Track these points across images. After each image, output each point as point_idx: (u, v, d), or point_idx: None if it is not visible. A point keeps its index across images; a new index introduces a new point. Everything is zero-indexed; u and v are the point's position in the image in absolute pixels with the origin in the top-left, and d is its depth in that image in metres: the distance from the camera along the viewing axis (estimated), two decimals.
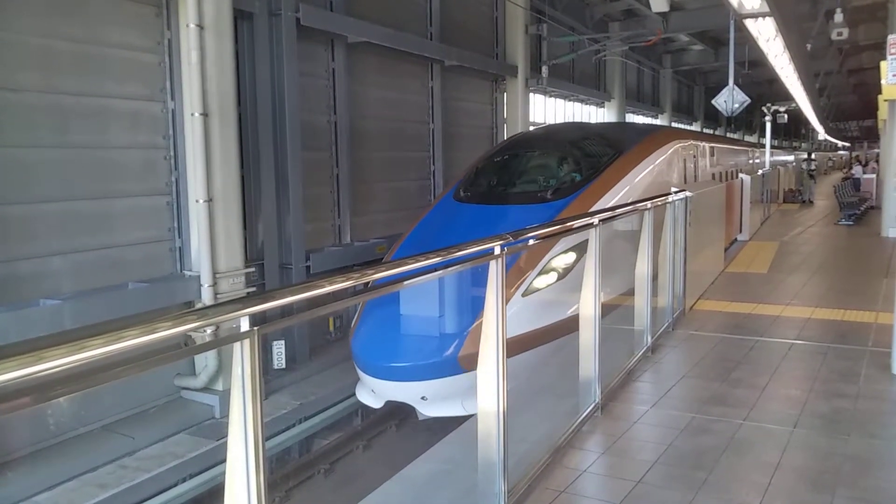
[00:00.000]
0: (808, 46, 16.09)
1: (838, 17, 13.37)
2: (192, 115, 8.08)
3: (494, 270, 3.26)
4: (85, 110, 7.48)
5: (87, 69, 7.50)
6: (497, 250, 3.26)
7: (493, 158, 9.88)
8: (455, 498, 3.73)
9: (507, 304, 6.11)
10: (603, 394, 4.80)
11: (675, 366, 5.94)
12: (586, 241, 6.99)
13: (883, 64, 12.15)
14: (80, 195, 7.46)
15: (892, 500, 3.58)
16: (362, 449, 8.21)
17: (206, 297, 8.22)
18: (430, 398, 6.53)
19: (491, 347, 3.27)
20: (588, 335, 4.57)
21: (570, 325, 6.81)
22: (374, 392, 6.84)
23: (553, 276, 7.37)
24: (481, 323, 6.10)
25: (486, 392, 3.30)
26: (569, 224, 4.56)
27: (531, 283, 7.24)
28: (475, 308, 6.47)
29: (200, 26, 8.04)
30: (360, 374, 6.84)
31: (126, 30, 7.86)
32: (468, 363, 6.24)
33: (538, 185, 8.90)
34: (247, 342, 1.91)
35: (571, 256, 7.36)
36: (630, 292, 6.08)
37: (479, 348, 6.01)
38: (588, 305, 4.53)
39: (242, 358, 1.91)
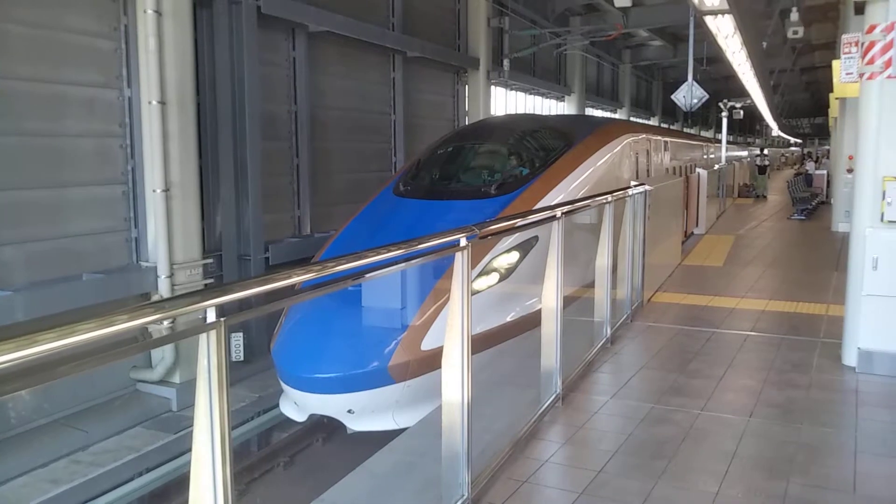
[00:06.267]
0: (764, 44, 16.40)
1: (794, 15, 13.65)
2: (150, 103, 7.92)
3: (460, 263, 3.26)
4: (38, 96, 7.28)
5: (41, 54, 7.29)
6: (463, 242, 3.25)
7: (437, 150, 9.39)
8: (418, 489, 3.73)
9: (441, 310, 6.02)
10: (564, 385, 4.85)
11: (633, 357, 6.03)
12: (530, 239, 7.01)
13: (835, 63, 12.44)
14: (33, 184, 7.27)
15: (843, 485, 3.69)
16: (322, 441, 8.15)
17: (163, 289, 8.09)
18: (357, 411, 6.06)
19: (456, 339, 3.27)
20: (550, 327, 4.61)
21: (511, 331, 6.76)
22: (296, 404, 6.42)
23: (494, 278, 6.97)
24: (414, 330, 6.10)
25: (450, 383, 3.30)
26: (532, 217, 4.58)
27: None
28: (407, 314, 6.26)
29: (158, 12, 7.88)
30: (282, 385, 6.39)
31: (81, 14, 7.65)
32: (399, 373, 5.99)
33: (482, 180, 8.48)
34: (213, 333, 1.88)
35: (514, 256, 7.02)
36: (588, 285, 6.13)
37: (411, 357, 5.97)
38: (550, 297, 4.57)
39: (209, 349, 1.88)
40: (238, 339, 9.19)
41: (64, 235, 7.57)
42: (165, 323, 1.87)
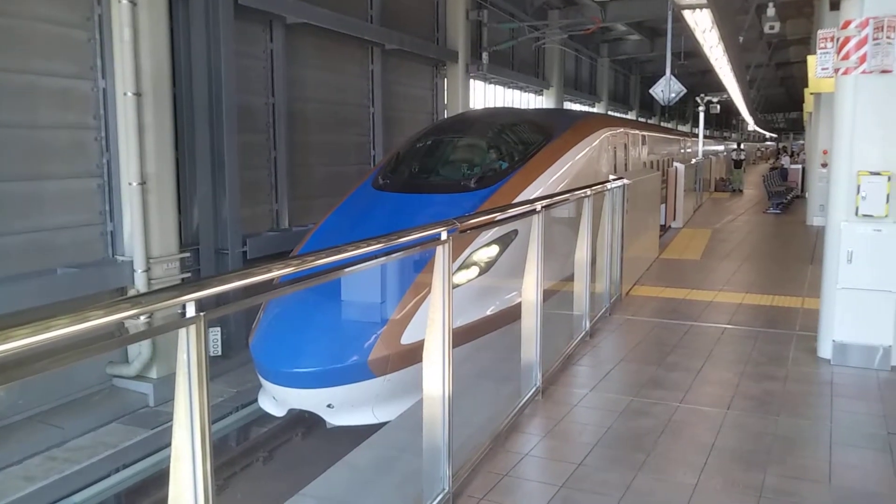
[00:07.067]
0: (741, 39, 16.51)
1: (770, 11, 13.75)
2: (125, 94, 7.82)
3: (441, 257, 3.25)
4: (9, 87, 7.15)
5: (12, 44, 7.16)
6: (444, 236, 3.24)
7: (416, 144, 9.38)
8: (399, 483, 3.73)
9: (420, 304, 6.00)
10: (544, 378, 4.86)
11: (612, 350, 6.06)
12: (509, 233, 7.02)
13: (811, 58, 12.56)
14: (5, 176, 7.14)
15: (819, 476, 3.74)
16: (301, 436, 8.12)
17: (140, 283, 8.00)
18: (336, 406, 6.02)
19: (437, 333, 3.26)
20: (530, 320, 4.61)
21: (491, 324, 6.76)
22: (275, 399, 6.36)
23: (474, 271, 6.94)
24: (394, 324, 6.09)
25: (431, 377, 3.30)
26: (512, 210, 4.57)
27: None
28: (387, 308, 6.24)
29: (133, 2, 7.77)
30: (261, 379, 6.33)
31: (53, 3, 7.52)
32: (379, 367, 5.97)
33: (461, 173, 8.47)
34: (193, 328, 1.86)
35: (494, 250, 7.02)
36: (567, 279, 6.15)
37: (391, 351, 5.96)
38: (530, 291, 4.57)
39: (188, 344, 1.86)
40: (215, 333, 9.12)
41: (37, 229, 7.45)
42: (143, 318, 1.84)
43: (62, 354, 1.64)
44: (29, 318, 1.55)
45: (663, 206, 13.21)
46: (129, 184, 7.94)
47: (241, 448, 7.96)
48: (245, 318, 9.76)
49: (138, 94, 7.89)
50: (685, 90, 13.81)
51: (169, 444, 1.97)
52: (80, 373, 7.93)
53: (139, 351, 8.06)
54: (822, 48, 6.07)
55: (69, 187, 7.77)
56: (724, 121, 57.58)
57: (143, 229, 8.01)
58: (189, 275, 8.90)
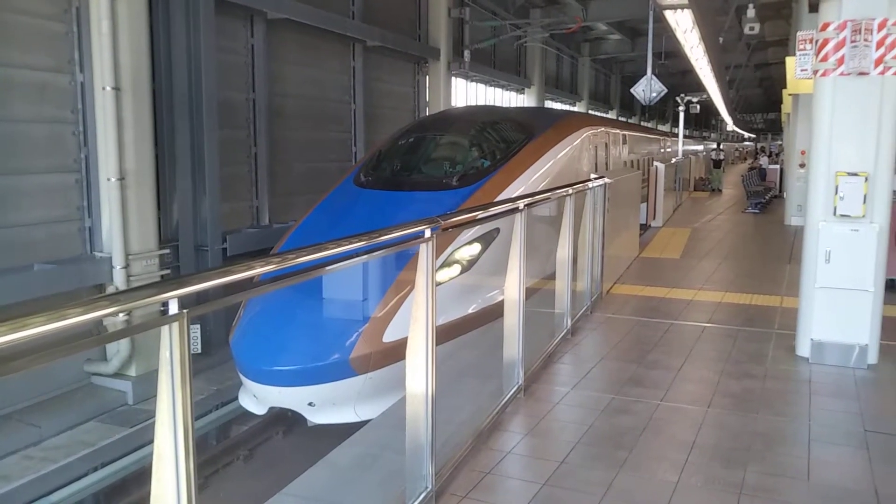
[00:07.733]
0: (721, 40, 16.64)
1: (750, 12, 13.87)
2: (104, 88, 7.73)
3: (425, 254, 3.24)
4: None
5: None
6: (427, 233, 3.24)
7: (398, 141, 9.34)
8: (382, 481, 3.71)
9: (402, 302, 6.00)
10: (526, 376, 4.87)
11: (593, 348, 6.08)
12: (491, 231, 7.03)
13: (790, 59, 12.67)
14: None
15: (797, 473, 3.77)
16: (283, 434, 8.08)
17: (119, 280, 7.92)
18: (318, 404, 5.98)
19: (421, 331, 3.25)
20: (512, 318, 4.62)
21: (473, 322, 6.76)
22: (256, 397, 6.29)
23: (456, 269, 6.93)
24: (376, 322, 6.07)
25: (414, 375, 3.29)
26: (495, 209, 4.57)
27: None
28: (369, 306, 6.23)
29: None
30: (242, 377, 6.25)
31: None
32: (361, 365, 5.96)
33: (444, 171, 8.48)
34: (175, 325, 1.84)
35: (476, 248, 7.02)
36: (549, 277, 6.16)
37: (373, 349, 5.94)
38: (512, 289, 4.58)
39: (171, 341, 1.84)
40: (195, 331, 9.05)
41: (14, 224, 7.35)
42: (122, 315, 1.82)
43: (40, 353, 1.61)
44: (5, 315, 1.52)
45: (644, 205, 13.30)
46: (108, 179, 7.85)
47: (222, 446, 7.89)
48: (224, 315, 9.71)
49: (117, 89, 7.81)
50: (666, 90, 13.92)
51: (148, 443, 1.94)
52: (57, 370, 7.83)
53: (118, 349, 7.98)
54: (801, 50, 6.13)
55: (46, 182, 7.67)
56: (704, 121, 58.08)
57: (122, 225, 7.93)
58: (168, 272, 8.83)
